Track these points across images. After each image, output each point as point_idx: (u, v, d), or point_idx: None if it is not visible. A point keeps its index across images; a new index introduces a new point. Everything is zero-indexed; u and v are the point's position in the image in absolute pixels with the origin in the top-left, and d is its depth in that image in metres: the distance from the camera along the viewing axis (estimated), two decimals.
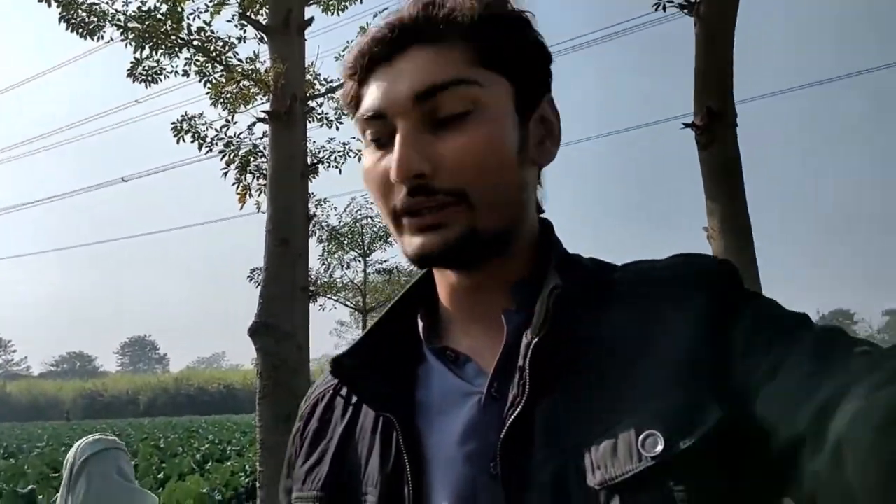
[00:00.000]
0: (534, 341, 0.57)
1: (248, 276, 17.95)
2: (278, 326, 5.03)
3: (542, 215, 0.70)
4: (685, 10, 4.96)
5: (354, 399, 0.69)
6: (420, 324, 0.70)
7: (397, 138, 0.59)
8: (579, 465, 0.53)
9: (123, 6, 5.69)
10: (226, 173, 6.23)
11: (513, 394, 0.58)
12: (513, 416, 0.56)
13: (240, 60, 5.93)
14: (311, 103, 6.31)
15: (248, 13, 5.80)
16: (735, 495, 0.50)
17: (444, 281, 0.68)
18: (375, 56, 0.62)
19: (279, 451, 4.91)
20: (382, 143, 0.62)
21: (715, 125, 4.75)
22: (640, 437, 0.51)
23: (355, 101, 0.65)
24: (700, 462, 0.50)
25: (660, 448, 0.50)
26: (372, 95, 0.62)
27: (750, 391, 0.51)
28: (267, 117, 5.47)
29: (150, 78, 6.10)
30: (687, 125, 4.87)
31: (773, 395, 0.49)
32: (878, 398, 0.41)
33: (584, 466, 0.53)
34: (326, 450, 0.69)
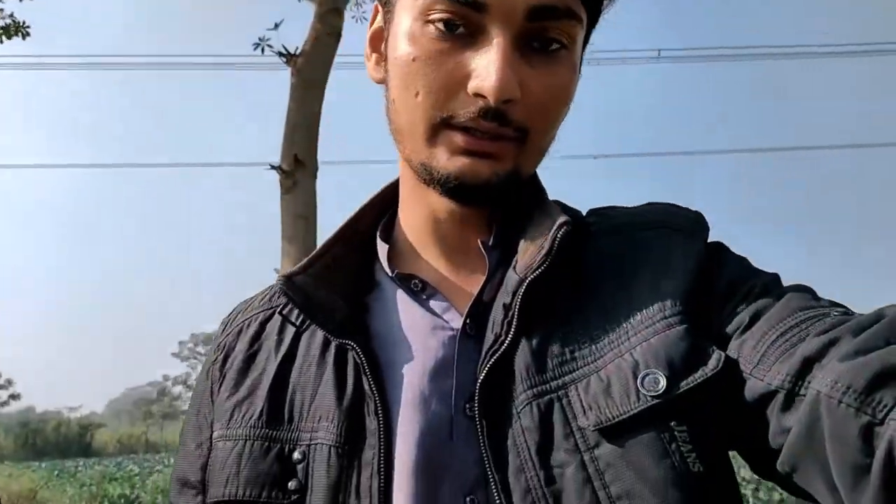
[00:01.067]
0: (529, 278, 0.53)
1: None
2: None
3: None
4: (283, 59, 5.20)
5: (297, 324, 0.62)
6: (382, 247, 0.63)
7: (497, 50, 0.51)
8: (565, 405, 0.50)
9: None
10: None
11: (495, 332, 0.54)
12: (496, 356, 0.53)
13: None
14: None
15: None
16: (720, 439, 0.50)
17: (426, 209, 0.61)
18: None
19: None
20: (457, 33, 0.52)
21: (298, 172, 5.05)
22: (640, 377, 0.49)
23: None
24: (700, 402, 0.48)
25: (662, 387, 0.48)
26: None
27: (727, 338, 0.51)
28: None
29: None
30: (274, 167, 5.05)
31: (750, 346, 0.49)
32: (860, 363, 0.41)
33: (573, 407, 0.50)
34: (258, 383, 0.60)
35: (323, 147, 5.08)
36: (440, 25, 0.52)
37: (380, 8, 0.60)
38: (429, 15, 0.52)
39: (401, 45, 0.54)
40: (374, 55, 0.62)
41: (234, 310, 0.70)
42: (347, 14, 5.45)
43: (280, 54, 4.98)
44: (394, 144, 0.60)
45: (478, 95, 0.52)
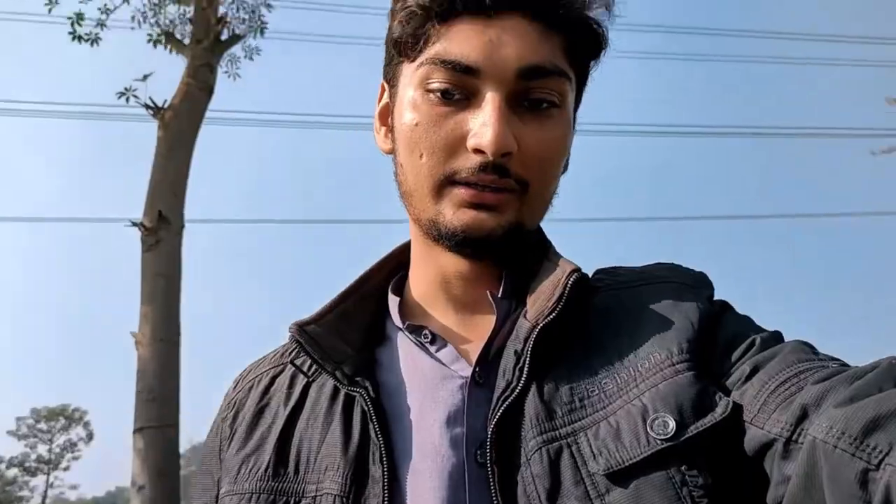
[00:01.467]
0: (540, 326, 0.55)
1: None
2: None
3: None
4: (150, 112, 4.97)
5: (308, 374, 0.63)
6: (394, 300, 0.66)
7: (492, 108, 0.56)
8: (574, 452, 0.51)
9: None
10: None
11: (506, 379, 0.55)
12: (507, 403, 0.53)
13: None
14: None
15: None
16: (730, 491, 0.49)
17: (436, 268, 0.64)
18: (470, 3, 0.57)
19: None
20: (453, 98, 0.57)
21: (162, 229, 4.76)
22: (649, 421, 0.49)
23: (422, 41, 0.58)
24: (709, 449, 0.49)
25: (672, 430, 0.48)
26: (464, 46, 0.57)
27: (728, 390, 0.52)
28: None
29: None
30: (135, 224, 4.74)
31: (751, 395, 0.50)
32: (854, 408, 0.42)
33: (582, 453, 0.50)
34: (267, 436, 0.61)
35: (190, 204, 4.84)
36: (438, 94, 0.58)
37: (386, 86, 0.66)
38: (428, 84, 0.58)
39: (405, 114, 0.60)
40: (383, 128, 0.67)
41: (246, 367, 0.72)
42: (220, 70, 5.34)
43: (147, 106, 4.77)
44: (403, 208, 0.64)
45: (477, 151, 0.56)
